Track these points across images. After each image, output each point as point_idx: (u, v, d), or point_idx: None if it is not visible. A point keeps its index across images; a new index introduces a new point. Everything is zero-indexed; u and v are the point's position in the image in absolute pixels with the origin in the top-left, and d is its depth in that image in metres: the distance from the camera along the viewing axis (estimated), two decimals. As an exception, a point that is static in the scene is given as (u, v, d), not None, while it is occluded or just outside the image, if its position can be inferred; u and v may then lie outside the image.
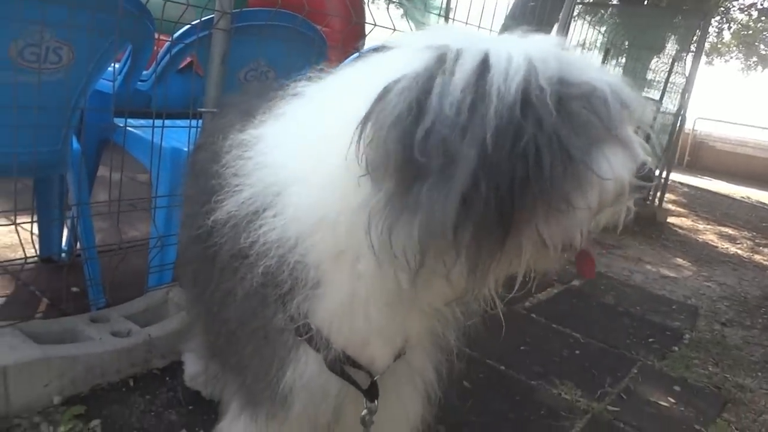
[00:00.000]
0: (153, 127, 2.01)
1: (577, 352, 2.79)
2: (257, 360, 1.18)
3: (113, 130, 2.28)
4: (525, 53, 0.85)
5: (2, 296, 2.21)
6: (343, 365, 1.13)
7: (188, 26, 2.05)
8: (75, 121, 1.98)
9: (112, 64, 2.09)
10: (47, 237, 2.47)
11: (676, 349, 3.07)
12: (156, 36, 2.07)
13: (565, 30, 3.76)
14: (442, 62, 0.85)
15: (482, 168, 0.79)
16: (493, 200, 0.80)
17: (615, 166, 0.83)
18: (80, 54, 1.85)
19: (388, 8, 2.95)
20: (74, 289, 2.34)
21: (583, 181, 0.83)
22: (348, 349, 1.13)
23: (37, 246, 2.44)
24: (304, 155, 1.03)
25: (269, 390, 1.16)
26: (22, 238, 1.93)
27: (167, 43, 2.07)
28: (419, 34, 1.03)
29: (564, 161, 0.81)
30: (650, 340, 3.11)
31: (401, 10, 7.12)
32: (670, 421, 2.34)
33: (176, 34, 2.06)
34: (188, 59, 2.26)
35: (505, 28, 6.24)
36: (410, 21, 6.54)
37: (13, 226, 2.32)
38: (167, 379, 1.95)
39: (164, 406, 1.83)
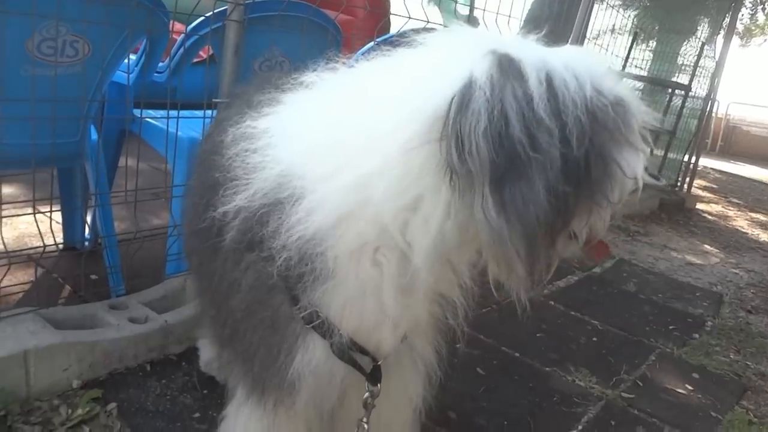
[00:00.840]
0: (168, 117, 2.05)
1: (595, 339, 2.78)
2: (264, 348, 1.20)
3: (132, 121, 2.32)
4: (575, 65, 0.94)
5: (26, 283, 2.27)
6: (350, 351, 1.16)
7: (202, 18, 2.08)
8: (93, 113, 2.02)
9: (129, 57, 2.14)
10: (71, 225, 2.54)
11: (697, 336, 3.04)
12: (172, 27, 2.11)
13: (585, 19, 3.71)
14: (507, 70, 0.91)
15: (563, 169, 0.89)
16: (568, 198, 0.90)
17: (634, 166, 0.95)
18: (96, 47, 1.89)
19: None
20: (93, 276, 2.40)
21: (615, 180, 0.94)
22: (356, 335, 1.15)
23: (61, 234, 2.52)
24: (332, 149, 1.04)
25: (277, 377, 1.19)
26: (46, 226, 2.00)
27: (182, 36, 2.10)
28: (450, 33, 1.07)
29: (605, 162, 0.93)
30: (671, 327, 3.08)
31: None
32: (686, 408, 2.33)
33: (190, 26, 2.09)
34: (204, 52, 2.29)
35: (532, 13, 6.22)
36: (442, 11, 6.50)
37: (39, 215, 2.40)
38: (183, 364, 2.00)
39: (180, 390, 1.88)
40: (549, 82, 0.90)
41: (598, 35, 7.20)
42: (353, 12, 5.06)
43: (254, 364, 1.24)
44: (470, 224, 0.96)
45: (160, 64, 2.22)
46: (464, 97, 0.90)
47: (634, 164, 0.95)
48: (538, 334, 2.71)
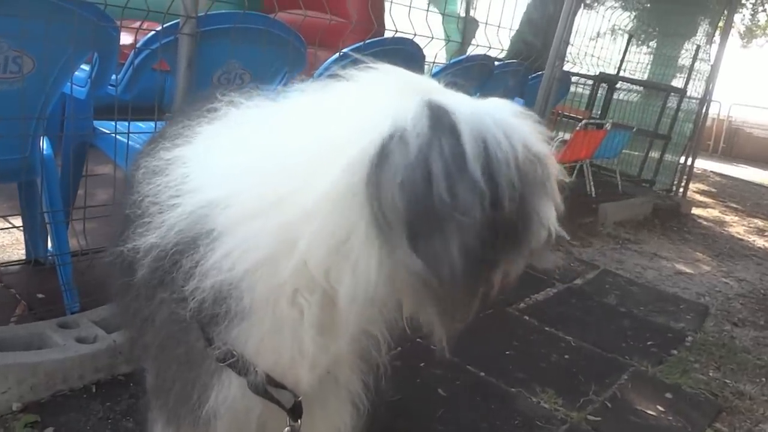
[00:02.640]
0: (116, 133, 2.01)
1: (567, 356, 2.73)
2: (180, 384, 1.18)
3: (91, 135, 2.29)
4: (505, 121, 0.94)
5: (-20, 299, 2.24)
6: (266, 386, 1.13)
7: (152, 32, 2.04)
8: (41, 129, 1.99)
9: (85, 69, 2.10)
10: (34, 240, 2.50)
11: (675, 352, 2.98)
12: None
13: (568, 22, 3.65)
14: (438, 123, 0.90)
15: (489, 229, 0.88)
16: (488, 256, 0.91)
17: (551, 218, 0.97)
18: (41, 63, 1.85)
19: (409, 14, 2.89)
20: (39, 295, 2.36)
21: (535, 232, 0.96)
22: (273, 372, 1.12)
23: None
24: (254, 189, 1.00)
25: (192, 414, 1.16)
26: (14, 239, 1.97)
27: (131, 52, 2.06)
28: (387, 73, 1.03)
29: (529, 218, 0.94)
30: (649, 343, 3.02)
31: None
32: (654, 431, 2.28)
33: (140, 42, 2.05)
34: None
35: (528, 16, 6.16)
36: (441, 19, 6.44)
37: (12, 228, 2.38)
38: (131, 385, 1.96)
39: (123, 414, 1.84)
40: (483, 141, 0.89)
41: (597, 37, 7.14)
42: (347, 16, 5.02)
43: (170, 399, 1.22)
44: (396, 272, 0.95)
45: (114, 77, 2.17)
46: (387, 148, 0.89)
47: (551, 215, 0.98)
48: (507, 352, 2.66)
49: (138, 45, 2.04)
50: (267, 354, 1.08)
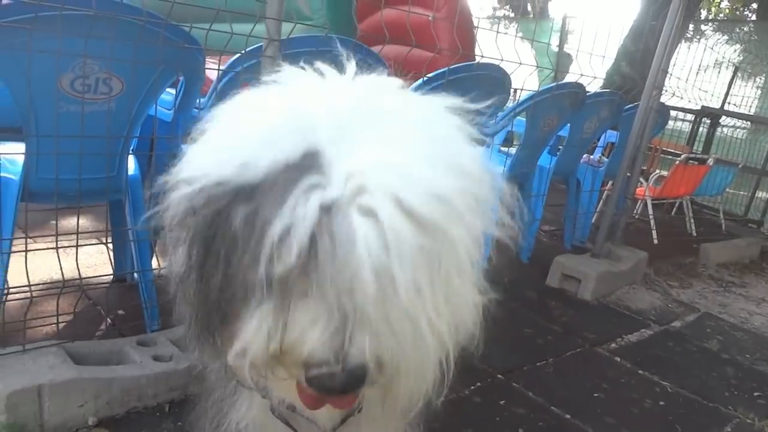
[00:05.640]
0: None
1: (662, 403, 2.51)
2: (204, 400, 1.22)
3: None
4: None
5: (70, 313, 2.30)
6: (287, 411, 1.07)
7: (238, 55, 2.07)
8: (127, 149, 2.04)
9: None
10: (120, 258, 2.57)
11: (787, 405, 2.69)
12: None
13: (669, 48, 3.48)
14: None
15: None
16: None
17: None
18: (129, 84, 1.90)
19: (496, 39, 2.86)
20: (120, 312, 2.41)
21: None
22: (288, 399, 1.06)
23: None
24: None
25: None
26: (105, 259, 2.00)
27: (219, 72, 2.09)
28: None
29: None
30: (755, 394, 2.75)
31: (520, 34, 6.98)
32: (762, 492, 2.04)
33: (227, 64, 2.09)
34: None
35: (624, 48, 5.98)
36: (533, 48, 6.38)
37: (103, 246, 2.46)
38: (203, 406, 1.94)
39: (192, 435, 1.81)
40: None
41: (701, 70, 6.83)
42: (439, 53, 5.03)
43: (197, 414, 1.29)
44: None
45: (201, 101, 2.22)
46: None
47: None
48: (596, 394, 2.48)
49: (223, 67, 2.07)
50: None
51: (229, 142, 0.87)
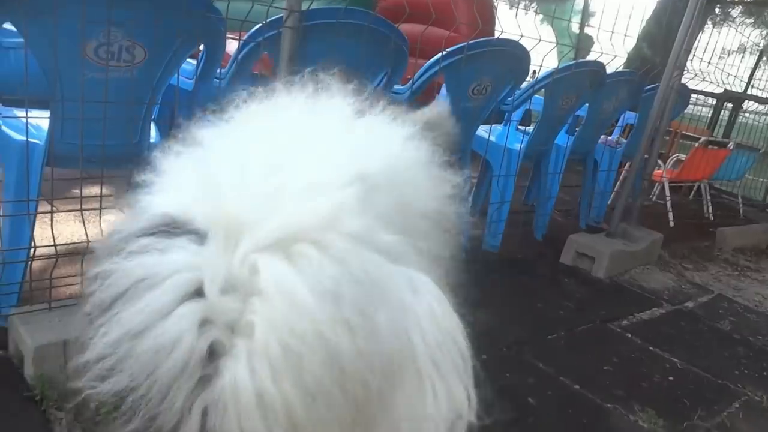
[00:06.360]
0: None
1: (671, 378, 2.54)
2: None
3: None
4: None
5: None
6: None
7: (259, 25, 2.10)
8: (150, 117, 2.09)
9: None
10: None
11: (797, 385, 2.70)
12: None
13: (692, 27, 3.45)
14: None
15: None
16: None
17: None
18: (152, 53, 1.95)
19: (516, 15, 2.88)
20: None
21: None
22: None
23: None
24: None
25: None
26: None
27: (240, 42, 2.13)
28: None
29: None
30: (765, 373, 2.76)
31: (540, 16, 6.93)
32: (767, 465, 2.07)
33: (248, 34, 2.12)
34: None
35: (646, 31, 5.91)
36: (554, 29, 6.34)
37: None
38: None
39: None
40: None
41: (724, 54, 6.74)
42: (458, 29, 5.03)
43: None
44: None
45: (221, 71, 2.26)
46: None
47: None
48: (605, 367, 2.51)
49: (244, 37, 2.11)
50: None
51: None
